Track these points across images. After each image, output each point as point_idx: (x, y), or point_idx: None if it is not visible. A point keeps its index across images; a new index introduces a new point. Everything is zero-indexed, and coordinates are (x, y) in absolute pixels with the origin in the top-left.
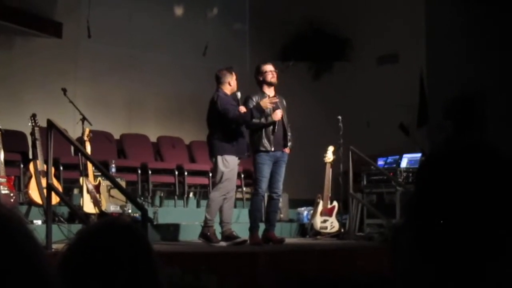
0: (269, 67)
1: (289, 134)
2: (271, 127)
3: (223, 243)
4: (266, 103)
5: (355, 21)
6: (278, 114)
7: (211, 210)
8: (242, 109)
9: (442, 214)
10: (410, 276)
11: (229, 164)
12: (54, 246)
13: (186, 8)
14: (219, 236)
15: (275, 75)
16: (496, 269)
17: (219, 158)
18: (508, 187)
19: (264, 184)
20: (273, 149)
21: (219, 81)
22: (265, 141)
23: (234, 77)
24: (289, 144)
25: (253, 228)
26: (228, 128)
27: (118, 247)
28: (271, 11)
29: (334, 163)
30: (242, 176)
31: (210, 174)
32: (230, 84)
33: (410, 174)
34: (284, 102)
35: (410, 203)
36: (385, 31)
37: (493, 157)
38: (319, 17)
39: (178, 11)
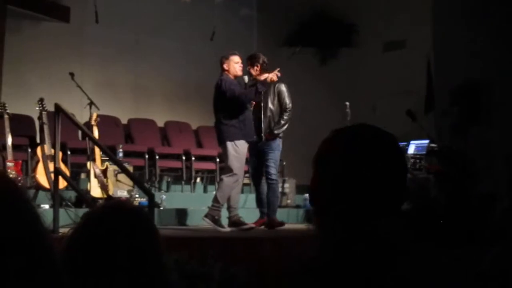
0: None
1: (265, 120)
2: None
3: (228, 229)
4: (273, 76)
5: (361, 7)
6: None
7: (224, 195)
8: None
9: None
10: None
11: (239, 149)
12: (61, 230)
13: None
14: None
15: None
16: None
17: (229, 144)
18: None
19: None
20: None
21: (221, 67)
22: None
23: (231, 61)
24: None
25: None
26: (236, 112)
27: (123, 229)
28: None
29: None
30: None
31: (218, 160)
32: (230, 67)
33: (418, 161)
34: (276, 89)
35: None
36: (391, 17)
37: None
38: (326, 3)
39: None
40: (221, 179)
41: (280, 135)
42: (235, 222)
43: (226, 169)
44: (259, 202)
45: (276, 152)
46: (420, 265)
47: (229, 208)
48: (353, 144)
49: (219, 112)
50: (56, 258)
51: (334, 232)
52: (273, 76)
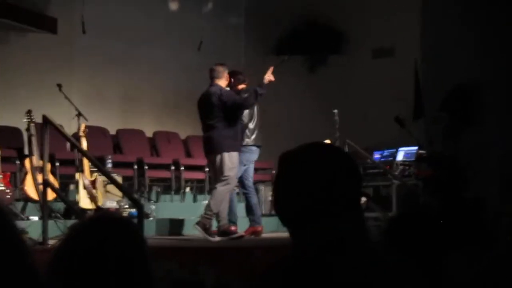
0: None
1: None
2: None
3: (218, 238)
4: (269, 77)
5: (350, 14)
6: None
7: (217, 204)
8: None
9: None
10: None
11: (234, 160)
12: (51, 242)
13: (181, 3)
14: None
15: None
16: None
17: (226, 154)
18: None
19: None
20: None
21: (216, 76)
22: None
23: (226, 72)
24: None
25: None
26: (233, 123)
27: (111, 240)
28: (266, 5)
29: None
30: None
31: (207, 169)
32: (226, 79)
33: (407, 167)
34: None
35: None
36: (380, 24)
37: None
38: (314, 11)
39: (173, 5)
40: (214, 188)
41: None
42: (224, 231)
43: (220, 179)
44: (249, 210)
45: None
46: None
47: (218, 217)
48: (306, 161)
49: (216, 123)
50: (37, 274)
51: (304, 238)
52: (269, 77)
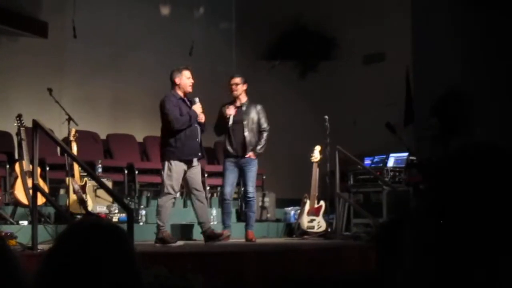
0: (234, 81)
1: (250, 139)
2: (227, 132)
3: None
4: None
5: (341, 20)
6: (229, 110)
7: (162, 216)
8: (196, 108)
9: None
10: (412, 273)
11: (173, 169)
12: (40, 247)
13: (172, 8)
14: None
15: (235, 88)
16: (504, 272)
17: (166, 163)
18: None
19: (225, 190)
20: (229, 154)
21: (172, 81)
22: (227, 147)
23: (183, 75)
24: (249, 149)
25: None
26: (173, 132)
27: (99, 247)
28: (257, 10)
29: (321, 163)
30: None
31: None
32: (176, 83)
33: (397, 174)
34: (258, 108)
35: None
36: (371, 30)
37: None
38: (305, 16)
39: (164, 10)
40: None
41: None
42: (209, 236)
43: (160, 189)
44: (227, 218)
45: (255, 170)
46: None
47: (200, 224)
48: None
49: (161, 131)
50: (22, 280)
51: None
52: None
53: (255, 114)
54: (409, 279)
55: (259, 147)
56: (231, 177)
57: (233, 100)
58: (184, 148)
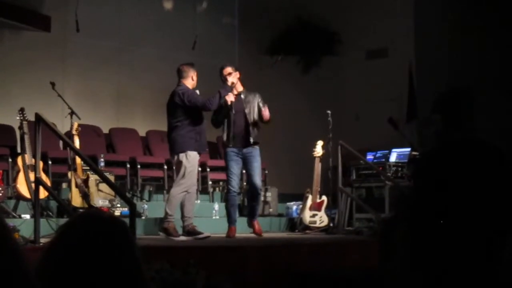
0: (227, 70)
1: (252, 127)
2: (228, 121)
3: (183, 238)
4: (233, 79)
5: (344, 15)
6: (229, 97)
7: (171, 206)
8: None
9: (438, 211)
10: (400, 272)
11: (191, 160)
12: (43, 240)
13: (175, 3)
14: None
15: (233, 76)
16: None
17: (182, 154)
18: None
19: (233, 181)
20: (230, 144)
21: (182, 76)
22: (225, 137)
23: (196, 72)
24: (251, 139)
25: (228, 222)
26: (193, 123)
27: (99, 240)
28: (260, 5)
29: (323, 158)
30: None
31: (200, 169)
32: (193, 79)
33: (399, 169)
34: (258, 97)
35: (405, 200)
36: (374, 25)
37: (486, 151)
38: (308, 11)
39: (167, 5)
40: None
41: None
42: (189, 231)
43: (176, 179)
44: (234, 212)
45: (259, 160)
46: None
47: (183, 217)
48: None
49: (176, 122)
50: (29, 273)
51: None
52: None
53: (256, 102)
54: (401, 274)
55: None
56: (237, 167)
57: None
58: (200, 141)
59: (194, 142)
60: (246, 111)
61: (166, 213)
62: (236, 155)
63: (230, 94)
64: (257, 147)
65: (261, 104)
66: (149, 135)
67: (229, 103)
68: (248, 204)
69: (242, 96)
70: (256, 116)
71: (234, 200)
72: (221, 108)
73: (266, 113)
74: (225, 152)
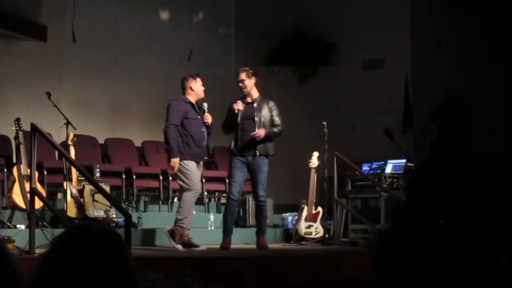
0: (240, 76)
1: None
2: (236, 131)
3: (179, 247)
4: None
5: (340, 26)
6: (237, 105)
7: (183, 210)
8: (207, 118)
9: (433, 224)
10: (396, 284)
11: (190, 168)
12: (37, 250)
13: (171, 13)
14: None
15: (243, 85)
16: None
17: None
18: (498, 193)
19: (234, 189)
20: (236, 152)
21: (182, 88)
22: (232, 144)
23: (198, 82)
24: (259, 147)
25: (223, 233)
26: (184, 133)
27: (93, 251)
28: (257, 16)
29: (318, 169)
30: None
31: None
32: (192, 89)
33: (395, 180)
34: (271, 105)
35: (401, 213)
36: (370, 36)
37: (481, 162)
38: (304, 22)
39: (163, 15)
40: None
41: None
42: (185, 243)
43: (182, 187)
44: (231, 221)
45: (266, 171)
46: None
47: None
48: None
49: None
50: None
51: None
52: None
53: (268, 111)
54: (398, 286)
55: (275, 129)
56: (240, 175)
57: (243, 96)
58: (192, 152)
59: (189, 151)
60: (256, 119)
61: (176, 219)
62: (241, 163)
63: (238, 102)
64: (264, 157)
65: (274, 113)
66: (145, 146)
67: (236, 111)
68: (255, 219)
69: (255, 104)
70: (267, 124)
71: (233, 208)
72: (229, 115)
73: (260, 132)
74: (230, 159)
